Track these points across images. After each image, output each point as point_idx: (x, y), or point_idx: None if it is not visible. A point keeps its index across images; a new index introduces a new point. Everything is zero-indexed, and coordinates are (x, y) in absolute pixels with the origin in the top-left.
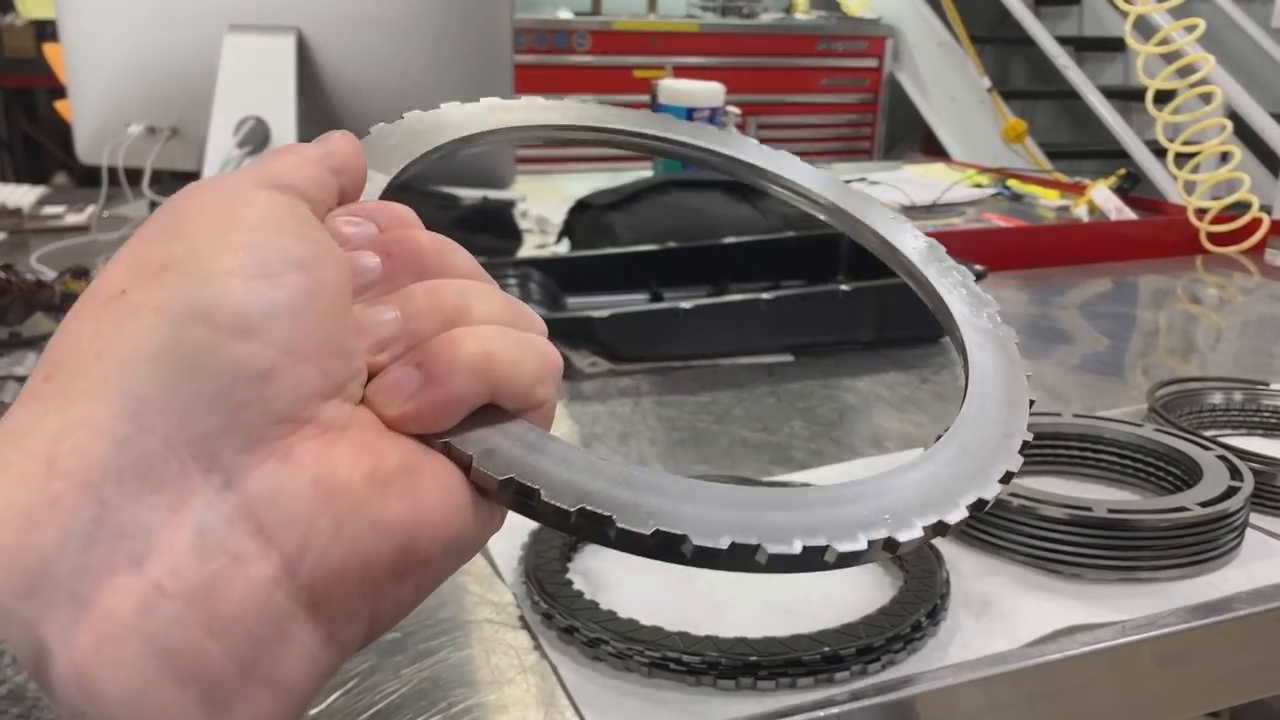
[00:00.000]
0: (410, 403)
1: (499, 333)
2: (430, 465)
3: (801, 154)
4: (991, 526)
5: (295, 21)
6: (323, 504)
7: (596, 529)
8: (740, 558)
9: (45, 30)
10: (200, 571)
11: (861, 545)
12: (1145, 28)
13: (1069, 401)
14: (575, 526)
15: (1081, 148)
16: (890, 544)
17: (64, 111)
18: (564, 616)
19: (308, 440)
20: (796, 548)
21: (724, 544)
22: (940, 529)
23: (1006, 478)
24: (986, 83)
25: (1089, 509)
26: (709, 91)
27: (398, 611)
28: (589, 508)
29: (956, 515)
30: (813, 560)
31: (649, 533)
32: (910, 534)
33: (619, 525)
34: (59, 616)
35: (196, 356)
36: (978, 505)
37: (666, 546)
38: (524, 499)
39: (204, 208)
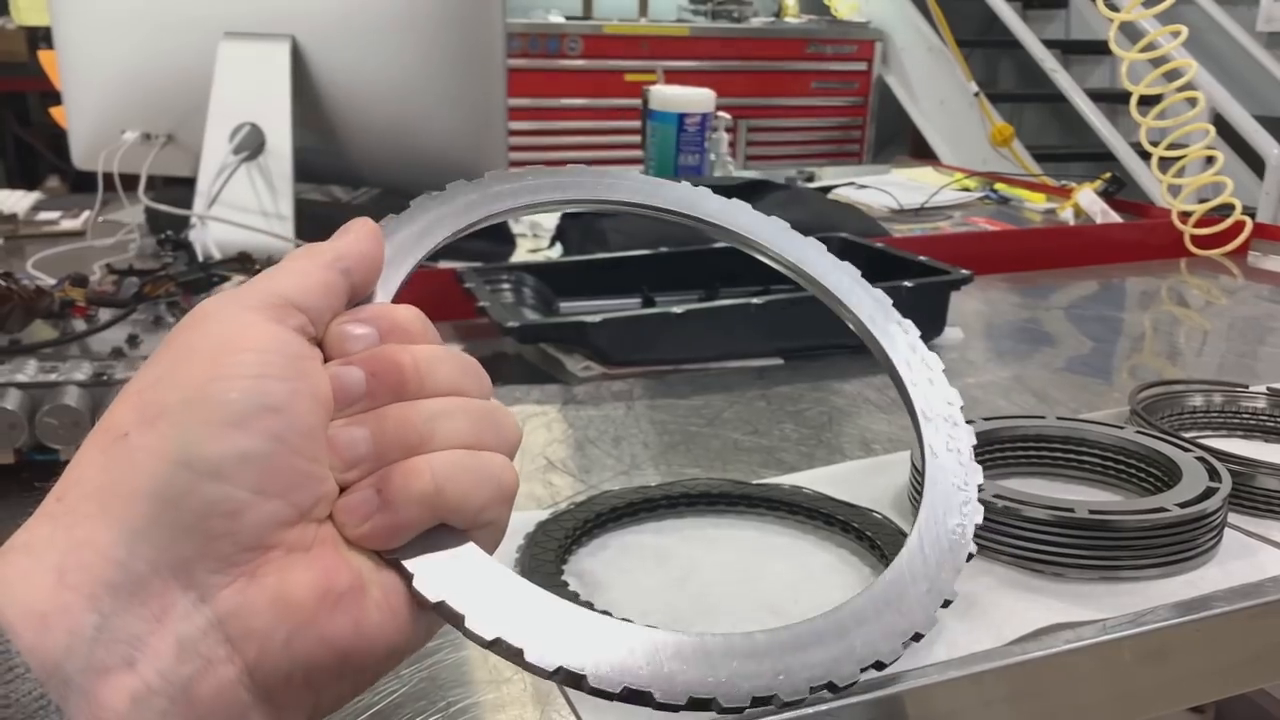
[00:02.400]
0: (365, 525)
1: (456, 465)
2: (378, 583)
3: (791, 157)
4: (975, 527)
5: (290, 29)
6: (279, 620)
7: (511, 658)
8: (632, 699)
9: (37, 35)
10: (180, 672)
11: (745, 703)
12: (1130, 32)
13: (1054, 404)
14: (495, 651)
15: (1069, 150)
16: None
17: (59, 117)
18: None
19: (272, 562)
20: (683, 699)
21: (618, 689)
22: (832, 688)
23: (916, 637)
24: (973, 87)
25: (1071, 510)
26: (700, 98)
27: (338, 702)
28: (504, 639)
29: (849, 679)
30: (701, 708)
31: (552, 669)
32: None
33: (527, 660)
34: (68, 708)
35: (179, 496)
36: (877, 666)
37: (571, 683)
38: (453, 619)
39: (201, 351)
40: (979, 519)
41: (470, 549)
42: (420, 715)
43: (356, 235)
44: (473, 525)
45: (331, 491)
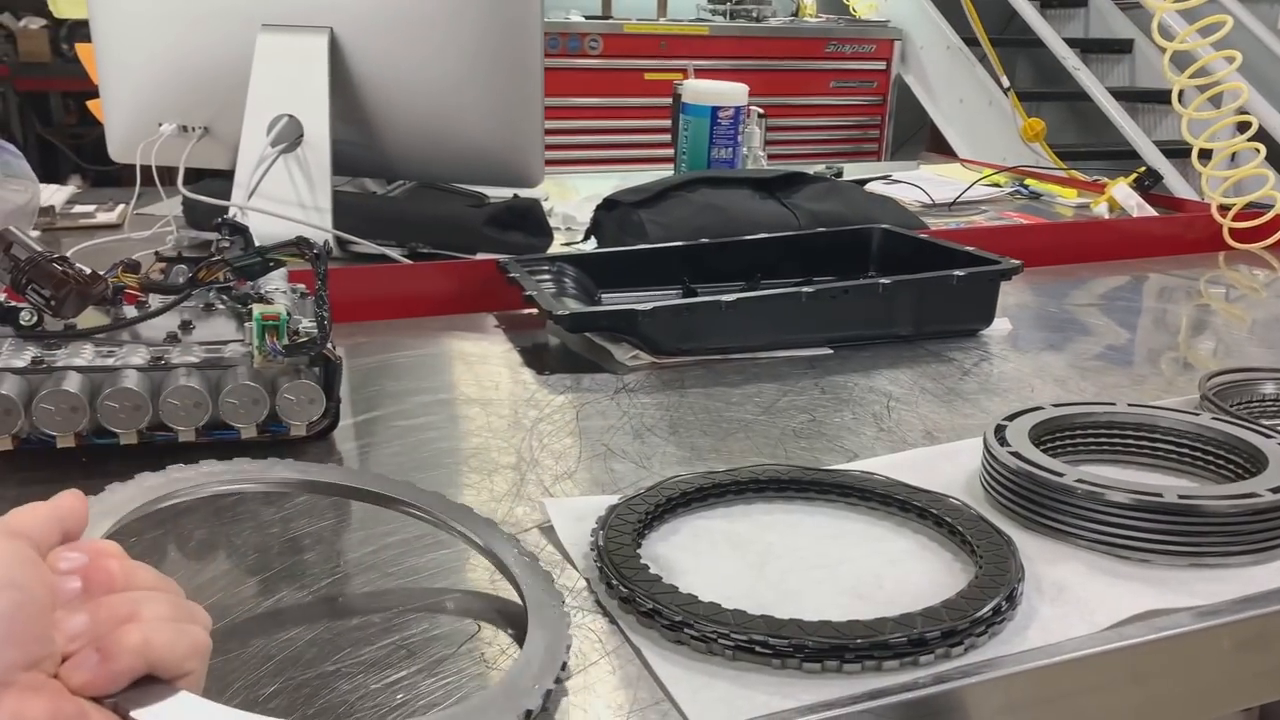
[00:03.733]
0: (88, 674)
1: (160, 624)
2: (101, 715)
3: (810, 155)
4: (1056, 512)
5: (328, 20)
6: None
7: None
8: None
9: (59, 35)
10: None
11: None
12: (1158, 27)
13: (1111, 391)
14: None
15: (1087, 148)
16: None
17: (95, 111)
18: (645, 600)
19: (10, 692)
20: None
21: None
22: None
23: (526, 715)
24: (1006, 82)
25: (1159, 495)
26: (734, 92)
27: None
28: None
29: None
30: None
31: None
32: None
33: None
34: None
35: None
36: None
37: None
38: None
39: None
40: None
41: (176, 689)
42: None
43: (67, 498)
44: (177, 674)
45: (58, 654)
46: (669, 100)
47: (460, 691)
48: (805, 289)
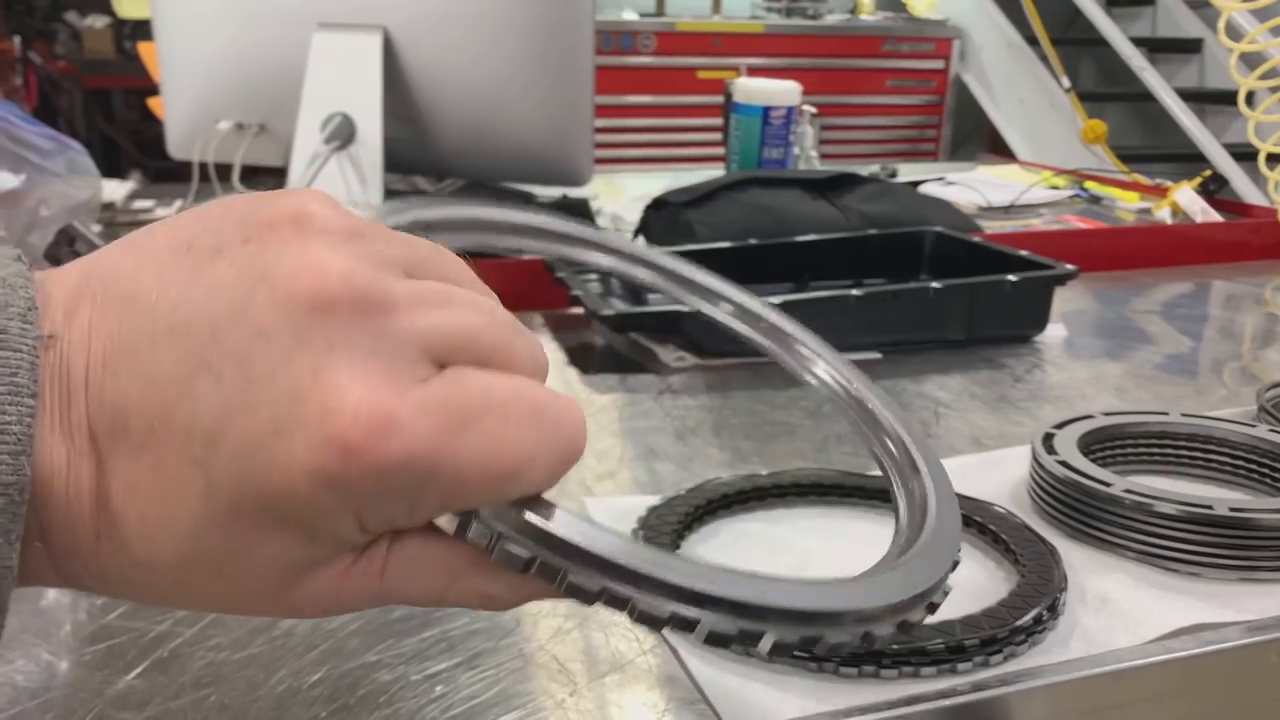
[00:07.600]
0: None
1: None
2: None
3: (866, 155)
4: (1103, 523)
5: (382, 20)
6: None
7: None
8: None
9: (122, 33)
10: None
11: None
12: (1224, 27)
13: (1166, 401)
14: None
15: (1152, 151)
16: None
17: (156, 108)
18: None
19: None
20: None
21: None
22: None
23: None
24: (1067, 83)
25: (1209, 507)
26: (785, 90)
27: None
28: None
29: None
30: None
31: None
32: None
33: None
34: None
35: None
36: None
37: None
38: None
39: None
40: None
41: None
42: (547, 695)
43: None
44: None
45: None
46: (721, 99)
47: (499, 685)
48: (854, 291)
